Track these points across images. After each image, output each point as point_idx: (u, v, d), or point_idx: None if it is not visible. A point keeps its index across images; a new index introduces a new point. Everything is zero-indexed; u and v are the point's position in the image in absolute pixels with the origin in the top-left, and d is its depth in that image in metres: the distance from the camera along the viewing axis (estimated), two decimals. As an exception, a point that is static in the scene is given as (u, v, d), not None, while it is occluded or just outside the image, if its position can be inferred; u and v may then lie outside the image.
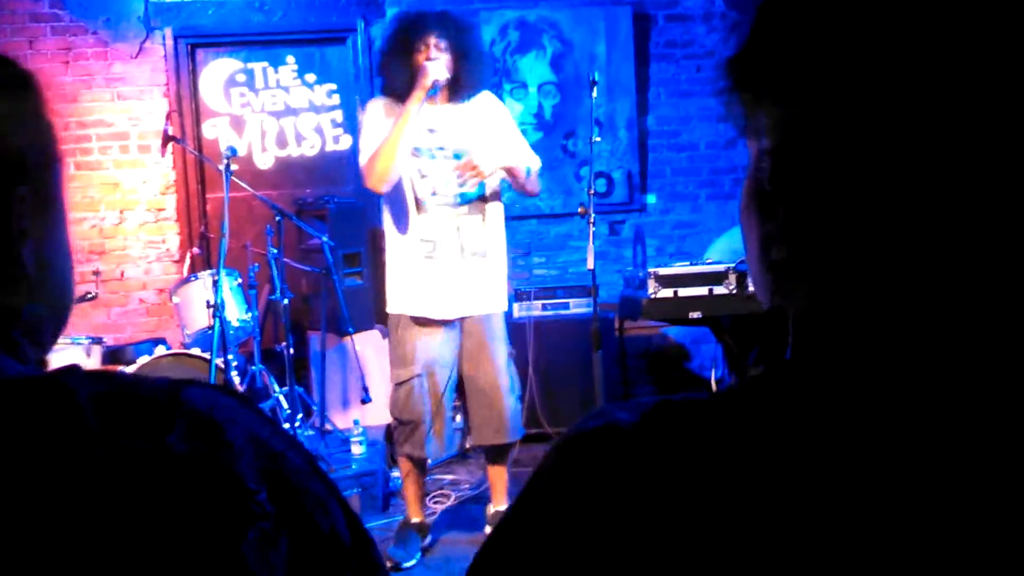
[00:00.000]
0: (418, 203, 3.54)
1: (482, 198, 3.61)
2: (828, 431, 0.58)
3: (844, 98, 0.59)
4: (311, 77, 5.83)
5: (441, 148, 3.56)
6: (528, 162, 3.67)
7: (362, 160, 3.52)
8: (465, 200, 3.57)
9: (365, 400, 4.57)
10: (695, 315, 4.46)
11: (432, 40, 3.46)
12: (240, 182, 4.40)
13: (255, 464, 0.65)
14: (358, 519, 0.72)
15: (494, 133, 3.64)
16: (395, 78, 3.51)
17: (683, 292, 4.46)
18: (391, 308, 3.66)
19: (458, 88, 3.53)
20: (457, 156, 3.55)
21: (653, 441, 0.60)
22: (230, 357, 4.27)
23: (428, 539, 3.80)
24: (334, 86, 5.84)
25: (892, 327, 0.60)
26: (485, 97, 3.68)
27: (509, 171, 3.58)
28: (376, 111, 3.58)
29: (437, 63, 3.43)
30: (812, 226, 0.61)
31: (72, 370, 0.65)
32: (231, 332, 4.49)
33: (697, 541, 0.57)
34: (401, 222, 3.58)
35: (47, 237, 0.73)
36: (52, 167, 0.75)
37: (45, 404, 0.61)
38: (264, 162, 5.81)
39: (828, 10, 0.61)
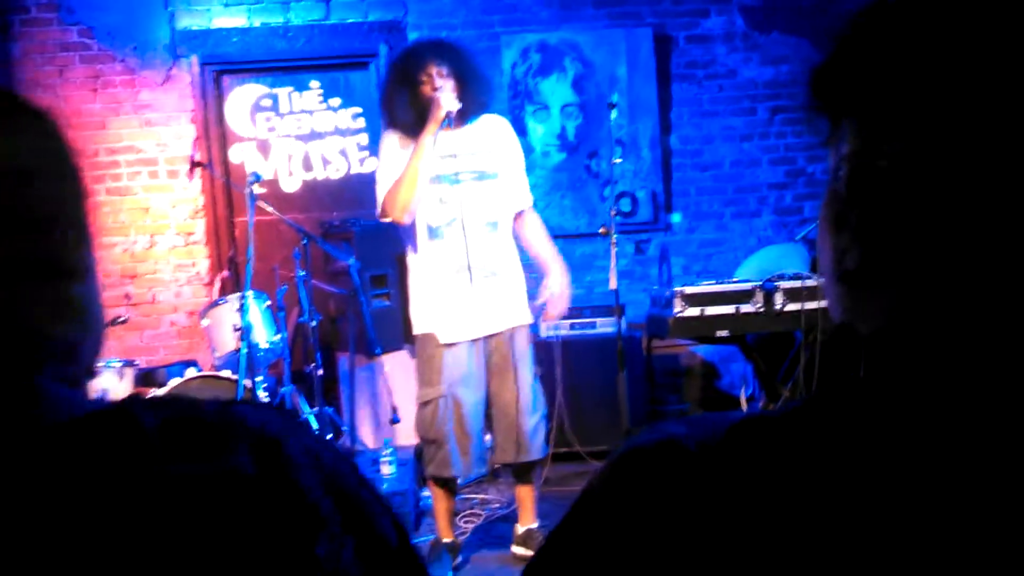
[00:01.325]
0: (433, 230, 3.58)
1: (500, 206, 3.68)
2: (907, 460, 0.56)
3: (927, 108, 0.59)
4: (336, 101, 5.90)
5: (460, 172, 3.59)
6: (522, 201, 3.79)
7: (380, 193, 3.57)
8: (489, 224, 3.61)
9: (394, 420, 4.59)
10: (722, 333, 4.47)
11: (433, 69, 3.50)
12: (267, 206, 4.45)
13: (315, 476, 0.68)
14: (401, 523, 0.76)
15: (505, 158, 3.69)
16: (402, 113, 3.55)
17: (710, 311, 4.47)
18: (417, 329, 3.69)
19: (466, 110, 3.57)
20: (480, 178, 3.60)
21: (716, 461, 0.60)
22: (259, 379, 4.30)
23: (459, 558, 3.81)
24: (359, 110, 5.90)
25: (971, 344, 0.58)
26: (497, 121, 3.74)
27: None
28: (391, 145, 3.61)
29: (447, 94, 3.47)
30: (885, 234, 0.61)
31: (136, 400, 0.68)
32: (260, 354, 4.52)
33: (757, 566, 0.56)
34: (421, 247, 3.61)
35: (88, 271, 0.76)
36: (85, 204, 0.78)
37: (120, 437, 0.64)
38: (291, 186, 5.86)
39: (918, 24, 0.61)
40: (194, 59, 5.71)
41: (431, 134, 3.46)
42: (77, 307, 0.74)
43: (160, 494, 0.62)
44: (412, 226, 3.60)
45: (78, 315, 0.74)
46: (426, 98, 3.49)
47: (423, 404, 3.65)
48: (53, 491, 0.61)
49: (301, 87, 5.88)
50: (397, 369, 5.00)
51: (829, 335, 4.23)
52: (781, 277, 4.50)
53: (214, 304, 4.80)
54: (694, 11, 5.94)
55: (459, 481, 3.87)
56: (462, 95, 3.53)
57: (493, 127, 3.70)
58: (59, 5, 5.64)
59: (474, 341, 3.62)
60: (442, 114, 3.45)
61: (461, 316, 3.58)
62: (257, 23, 5.76)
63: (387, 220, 3.59)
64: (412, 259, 3.68)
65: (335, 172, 5.90)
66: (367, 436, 4.99)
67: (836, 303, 0.67)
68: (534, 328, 3.85)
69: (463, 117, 3.57)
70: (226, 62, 5.78)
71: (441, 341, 3.59)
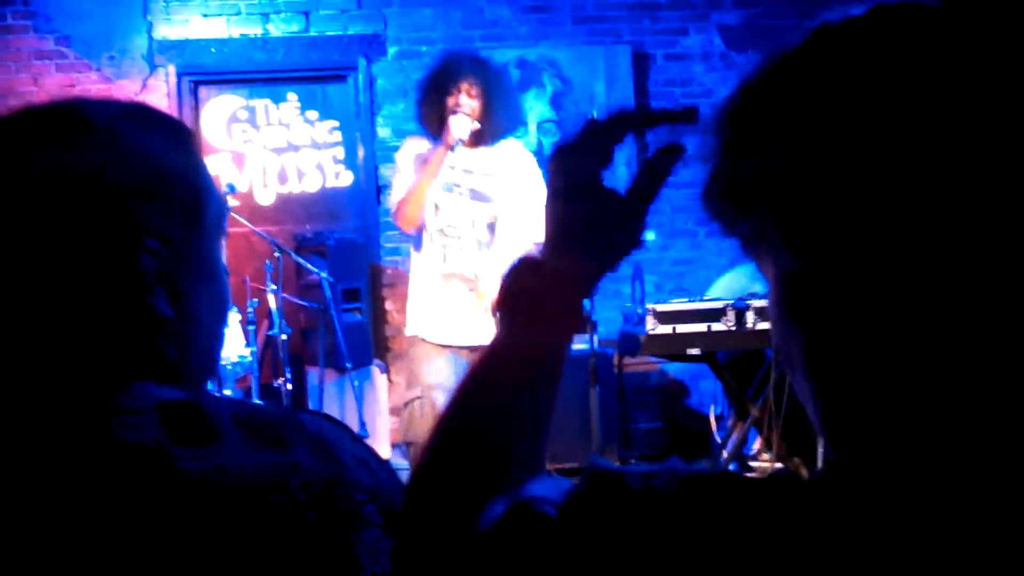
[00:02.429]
0: (432, 236, 3.67)
1: (491, 229, 3.72)
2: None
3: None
4: (313, 114, 5.88)
5: (458, 185, 3.66)
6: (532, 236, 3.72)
7: (392, 200, 3.70)
8: (483, 244, 3.67)
9: (363, 435, 4.56)
10: (694, 351, 4.46)
11: (464, 85, 3.56)
12: (240, 218, 4.43)
13: (362, 481, 0.75)
14: None
15: (517, 187, 3.71)
16: (426, 119, 3.66)
17: (681, 328, 4.46)
18: (408, 330, 3.77)
19: (486, 131, 3.63)
20: (475, 198, 3.66)
21: (663, 508, 0.56)
22: (228, 392, 4.27)
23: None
24: (335, 123, 5.89)
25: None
26: (518, 150, 3.80)
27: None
28: (407, 155, 3.71)
29: (461, 119, 3.52)
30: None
31: (206, 394, 0.77)
32: (229, 368, 4.48)
33: None
34: (420, 250, 3.71)
35: (192, 290, 0.81)
36: (199, 224, 0.82)
37: (195, 422, 0.72)
38: (265, 198, 5.84)
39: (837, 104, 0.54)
40: (171, 69, 5.69)
41: (439, 156, 3.54)
42: (155, 315, 0.77)
43: (227, 479, 0.68)
44: (419, 228, 3.70)
45: (161, 323, 0.78)
46: (448, 111, 3.55)
47: (405, 404, 3.75)
48: (112, 469, 0.67)
49: (278, 99, 5.86)
50: (367, 384, 4.97)
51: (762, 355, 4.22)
52: (753, 296, 4.50)
53: (184, 316, 4.76)
54: (673, 30, 5.96)
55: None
56: (486, 117, 3.58)
57: (510, 153, 3.75)
58: (35, 13, 5.61)
59: (459, 351, 3.64)
60: (451, 140, 3.51)
61: (450, 321, 3.64)
62: (236, 34, 5.75)
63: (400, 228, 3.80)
64: (413, 259, 3.78)
65: (310, 185, 5.88)
66: (336, 451, 4.96)
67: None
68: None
69: (481, 137, 3.63)
70: (204, 72, 5.76)
71: (429, 341, 3.66)
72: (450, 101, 3.56)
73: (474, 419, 0.78)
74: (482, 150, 3.67)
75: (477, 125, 3.56)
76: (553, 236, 0.81)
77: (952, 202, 0.50)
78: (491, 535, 0.62)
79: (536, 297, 0.79)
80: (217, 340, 0.89)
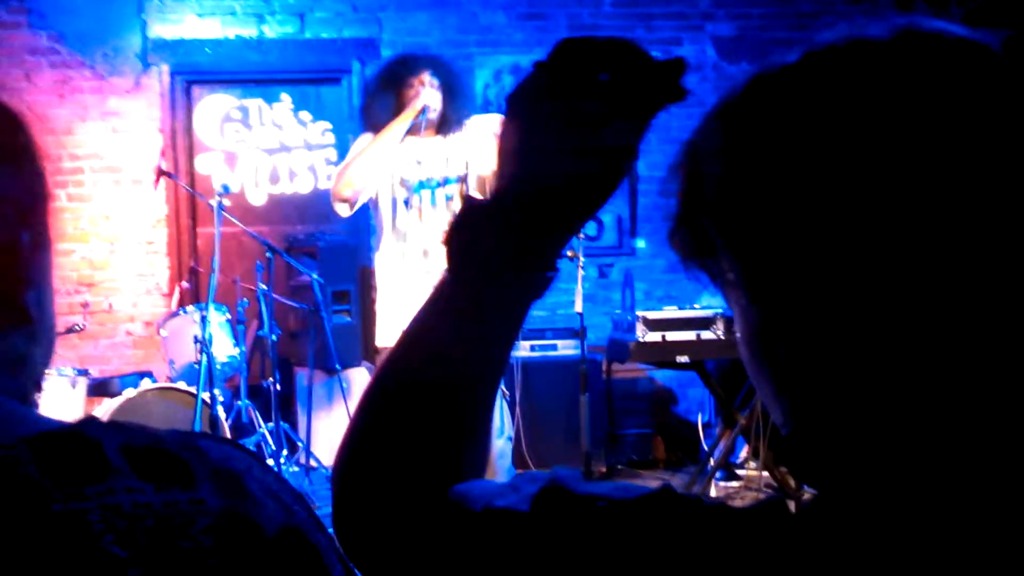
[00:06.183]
0: (402, 234, 3.60)
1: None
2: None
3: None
4: (306, 115, 5.89)
5: (429, 179, 3.62)
6: None
7: (336, 169, 3.62)
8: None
9: (350, 438, 4.55)
10: (682, 359, 4.48)
11: (425, 78, 3.55)
12: (231, 218, 4.42)
13: (273, 517, 0.65)
14: (352, 568, 0.74)
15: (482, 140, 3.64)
16: (382, 112, 3.58)
17: (671, 336, 4.48)
18: (380, 341, 3.68)
19: (446, 123, 3.61)
20: (448, 182, 3.61)
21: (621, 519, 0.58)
22: (216, 392, 4.26)
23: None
24: (328, 125, 5.89)
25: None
26: (473, 119, 3.73)
27: None
28: (362, 140, 3.64)
29: (430, 92, 3.52)
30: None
31: (93, 422, 0.64)
32: (218, 367, 4.47)
33: None
34: (387, 254, 3.64)
35: (43, 279, 0.72)
36: (46, 208, 0.74)
37: (76, 459, 0.60)
38: (257, 198, 5.83)
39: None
40: (165, 68, 5.68)
41: (403, 120, 3.49)
42: (26, 315, 0.69)
43: (119, 522, 0.57)
44: (382, 232, 3.64)
45: (26, 323, 0.69)
46: (405, 101, 3.53)
47: None
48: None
49: (271, 100, 5.87)
50: (356, 385, 4.97)
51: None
52: (742, 305, 4.52)
53: (173, 315, 4.76)
54: (667, 40, 5.99)
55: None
56: (445, 108, 3.58)
57: (469, 127, 3.68)
58: (29, 9, 5.60)
59: None
60: (419, 105, 3.48)
61: None
62: (231, 34, 5.75)
63: (337, 205, 3.57)
64: (378, 266, 3.71)
65: (302, 186, 5.88)
66: (323, 453, 4.94)
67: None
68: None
69: (441, 128, 3.62)
70: (198, 72, 5.76)
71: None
72: (409, 92, 3.54)
73: (409, 372, 0.72)
74: (445, 139, 3.64)
75: (439, 107, 3.55)
76: (503, 166, 0.70)
77: (908, 249, 0.50)
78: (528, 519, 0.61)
79: (478, 238, 0.70)
80: (55, 336, 0.78)
